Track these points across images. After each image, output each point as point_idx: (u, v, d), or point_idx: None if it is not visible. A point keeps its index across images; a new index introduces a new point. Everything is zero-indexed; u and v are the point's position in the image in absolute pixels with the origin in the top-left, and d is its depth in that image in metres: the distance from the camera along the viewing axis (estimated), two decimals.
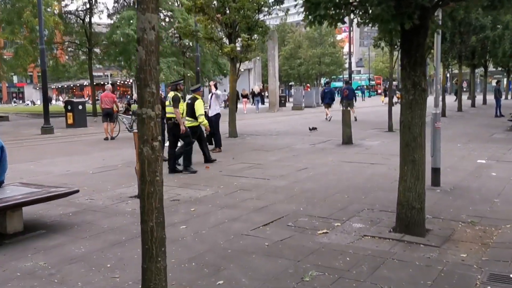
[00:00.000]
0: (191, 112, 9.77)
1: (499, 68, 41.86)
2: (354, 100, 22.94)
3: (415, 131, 5.06)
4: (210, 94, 12.40)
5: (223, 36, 15.37)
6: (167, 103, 9.26)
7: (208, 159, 10.25)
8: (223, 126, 16.26)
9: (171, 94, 9.20)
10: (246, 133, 16.76)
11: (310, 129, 16.93)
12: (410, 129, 5.07)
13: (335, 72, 50.93)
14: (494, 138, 14.15)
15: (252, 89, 37.37)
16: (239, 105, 36.27)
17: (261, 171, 9.24)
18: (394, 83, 56.16)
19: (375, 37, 17.07)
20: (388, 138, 14.41)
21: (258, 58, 53.47)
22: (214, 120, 12.19)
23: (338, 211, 6.21)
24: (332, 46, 49.66)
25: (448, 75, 68.16)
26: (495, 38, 25.70)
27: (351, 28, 39.87)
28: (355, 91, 38.93)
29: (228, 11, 14.28)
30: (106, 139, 15.09)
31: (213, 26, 14.64)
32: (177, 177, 8.79)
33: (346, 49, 53.78)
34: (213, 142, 12.39)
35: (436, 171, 7.43)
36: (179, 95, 9.27)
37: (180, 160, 9.35)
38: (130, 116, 16.08)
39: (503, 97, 31.25)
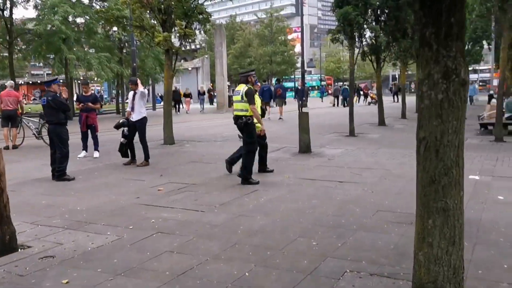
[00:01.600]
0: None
1: None
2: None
3: (449, 156, 2.80)
4: (132, 92, 9.76)
5: (156, 24, 12.79)
6: (236, 98, 7.69)
7: (264, 169, 8.57)
8: (157, 131, 13.73)
9: (242, 87, 7.64)
10: (186, 139, 14.25)
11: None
12: (439, 153, 2.81)
13: (287, 72, 49.04)
14: (470, 144, 12.35)
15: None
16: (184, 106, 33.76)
17: (194, 196, 6.80)
18: (340, 83, 55.10)
19: (333, 30, 15.01)
20: (351, 145, 12.32)
21: (206, 56, 50.85)
22: (139, 126, 9.60)
23: (304, 277, 3.87)
24: (284, 45, 47.70)
25: (397, 75, 68.07)
26: None
27: (302, 26, 38.09)
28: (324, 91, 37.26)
29: None
30: (7, 148, 12.05)
31: (142, 11, 12.03)
32: (72, 209, 6.19)
33: (297, 49, 52.23)
34: (129, 154, 9.75)
35: None
36: (253, 88, 7.75)
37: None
38: (38, 120, 13.13)
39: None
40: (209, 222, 5.47)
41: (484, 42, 34.64)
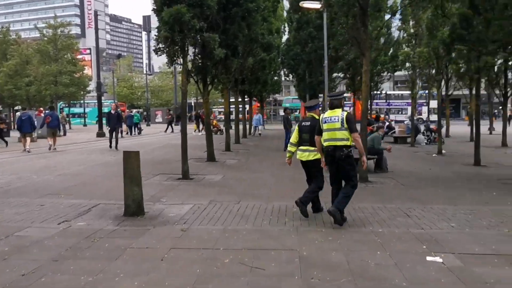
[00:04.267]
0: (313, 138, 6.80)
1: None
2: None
3: None
4: None
5: None
6: (333, 125, 6.39)
7: (318, 208, 7.16)
8: None
9: (339, 112, 6.44)
10: None
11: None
12: None
13: (77, 95, 42.41)
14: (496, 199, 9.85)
15: None
16: None
17: None
18: (134, 110, 50.69)
19: (157, 36, 11.15)
20: (197, 196, 8.58)
21: None
22: None
23: None
24: (72, 64, 41.10)
25: (193, 103, 66.72)
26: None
27: (97, 43, 33.08)
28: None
29: None
30: None
31: None
32: None
33: (85, 72, 46.14)
34: None
35: None
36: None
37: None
38: None
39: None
40: None
41: (284, 71, 34.98)
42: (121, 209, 7.09)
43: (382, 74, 24.47)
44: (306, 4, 15.49)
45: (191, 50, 13.43)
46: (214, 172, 12.10)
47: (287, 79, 39.18)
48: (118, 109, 19.74)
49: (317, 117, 6.95)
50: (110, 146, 18.14)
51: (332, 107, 6.57)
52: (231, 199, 8.31)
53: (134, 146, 20.07)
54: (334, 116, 6.44)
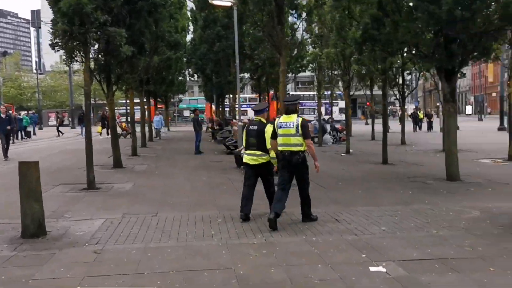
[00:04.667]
0: (262, 142, 6.74)
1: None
2: None
3: None
4: None
5: None
6: (287, 130, 6.42)
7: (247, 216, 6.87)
8: None
9: (294, 118, 6.48)
10: None
11: None
12: None
13: None
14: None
15: None
16: None
17: None
18: (24, 112, 46.25)
19: (54, 29, 9.93)
20: (108, 209, 7.69)
21: None
22: None
23: None
24: None
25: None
26: None
27: None
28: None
29: None
30: None
31: None
32: None
33: None
34: None
35: None
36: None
37: None
38: None
39: None
40: None
41: (189, 70, 34.08)
42: (18, 230, 6.05)
43: (287, 75, 24.70)
44: (216, 2, 14.99)
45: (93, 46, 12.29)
46: (123, 179, 11.14)
47: (192, 79, 38.37)
48: (9, 112, 17.52)
49: (264, 121, 6.95)
50: (5, 156, 15.84)
51: (288, 112, 6.60)
52: (147, 210, 7.55)
53: (27, 152, 18.16)
54: (289, 122, 6.46)
